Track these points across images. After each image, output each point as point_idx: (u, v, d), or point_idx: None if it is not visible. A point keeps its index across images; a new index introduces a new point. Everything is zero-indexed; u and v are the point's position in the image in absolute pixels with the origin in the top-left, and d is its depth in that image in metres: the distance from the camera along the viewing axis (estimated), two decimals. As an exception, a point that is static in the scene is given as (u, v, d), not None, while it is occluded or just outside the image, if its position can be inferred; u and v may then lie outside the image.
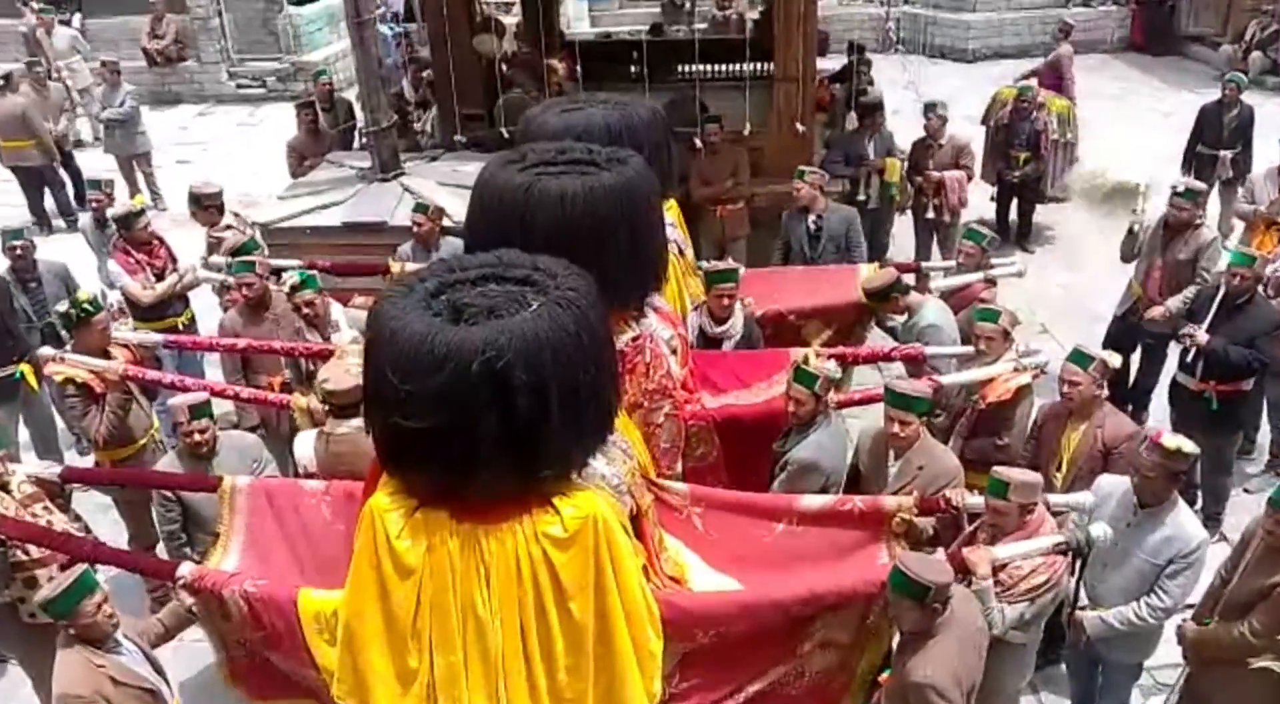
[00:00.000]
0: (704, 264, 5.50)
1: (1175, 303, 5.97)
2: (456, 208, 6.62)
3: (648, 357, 4.05)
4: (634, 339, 4.02)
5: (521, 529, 2.87)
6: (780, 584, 3.59)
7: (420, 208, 6.48)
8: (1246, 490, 6.00)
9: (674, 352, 4.32)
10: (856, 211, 7.03)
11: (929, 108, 8.24)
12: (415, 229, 6.40)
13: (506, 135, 7.17)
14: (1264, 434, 6.30)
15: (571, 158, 3.85)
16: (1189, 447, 3.85)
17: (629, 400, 3.90)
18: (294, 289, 5.52)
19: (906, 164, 8.18)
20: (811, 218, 6.70)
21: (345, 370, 4.43)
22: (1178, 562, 3.89)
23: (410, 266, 5.96)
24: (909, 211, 8.40)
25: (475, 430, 2.68)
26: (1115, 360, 4.54)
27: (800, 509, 3.96)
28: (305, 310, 5.52)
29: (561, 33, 9.67)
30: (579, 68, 7.89)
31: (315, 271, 5.74)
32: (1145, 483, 3.90)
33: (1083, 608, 4.08)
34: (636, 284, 3.83)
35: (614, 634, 2.98)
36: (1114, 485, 4.08)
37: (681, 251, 5.33)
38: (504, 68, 8.10)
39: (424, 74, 9.23)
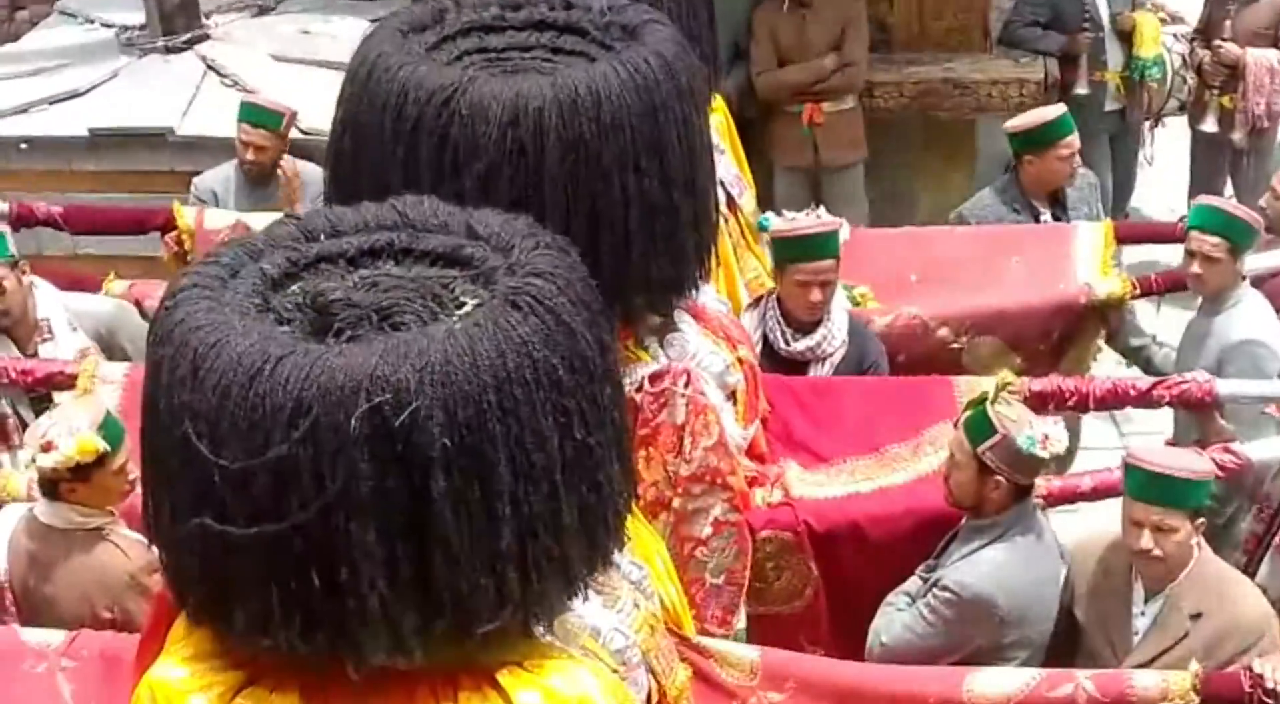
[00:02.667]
0: (770, 220, 5.58)
1: None
2: (310, 102, 6.78)
3: (680, 412, 4.14)
4: (654, 378, 4.09)
5: (442, 734, 2.93)
6: None
7: (255, 113, 6.64)
8: None
9: (732, 397, 4.39)
10: (1096, 178, 6.99)
11: None
12: (246, 153, 6.58)
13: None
14: None
15: (532, 20, 3.91)
16: None
17: (648, 493, 4.01)
18: None
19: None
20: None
21: (91, 420, 4.48)
22: None
23: (223, 216, 6.13)
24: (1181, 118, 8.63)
25: (354, 541, 2.72)
26: None
27: (972, 700, 4.04)
28: None
29: None
30: None
31: (5, 228, 5.81)
32: None
33: None
34: (663, 276, 3.87)
35: None
36: None
37: (734, 201, 5.44)
38: None
39: None
